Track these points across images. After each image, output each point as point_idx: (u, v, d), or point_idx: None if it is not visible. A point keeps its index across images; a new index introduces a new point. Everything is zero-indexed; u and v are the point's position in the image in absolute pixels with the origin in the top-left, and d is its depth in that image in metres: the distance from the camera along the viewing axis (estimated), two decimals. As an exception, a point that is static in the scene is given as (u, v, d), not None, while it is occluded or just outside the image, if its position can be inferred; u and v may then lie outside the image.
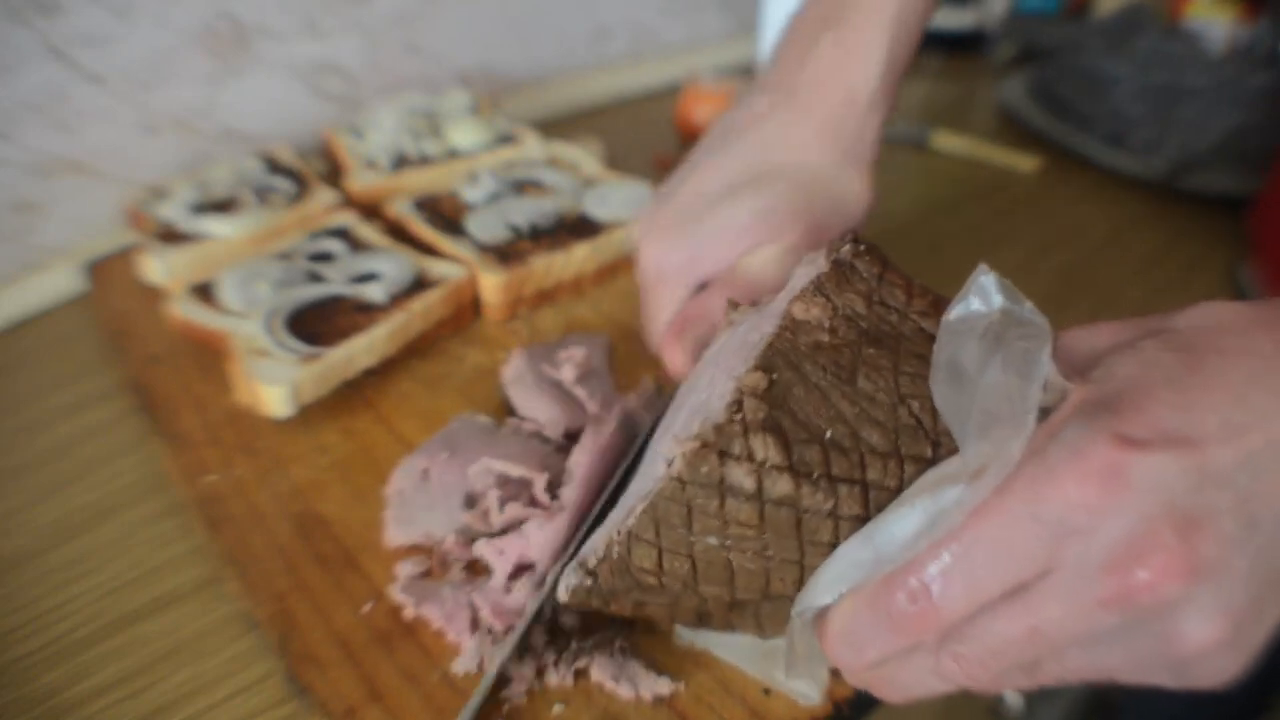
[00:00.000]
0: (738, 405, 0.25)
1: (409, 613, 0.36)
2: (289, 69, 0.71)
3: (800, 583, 0.26)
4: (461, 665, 0.34)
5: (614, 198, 0.60)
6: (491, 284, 0.53)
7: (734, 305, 0.35)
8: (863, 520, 0.24)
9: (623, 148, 0.76)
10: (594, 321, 0.54)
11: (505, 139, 0.68)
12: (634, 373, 0.49)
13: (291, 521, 0.41)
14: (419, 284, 0.52)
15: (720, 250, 0.40)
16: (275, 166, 0.64)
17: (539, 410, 0.45)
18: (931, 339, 0.26)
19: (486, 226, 0.56)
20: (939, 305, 0.27)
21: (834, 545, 0.25)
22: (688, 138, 0.80)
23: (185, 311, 0.50)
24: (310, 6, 0.70)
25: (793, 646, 0.27)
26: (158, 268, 0.54)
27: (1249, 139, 0.72)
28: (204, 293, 0.51)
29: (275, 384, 0.44)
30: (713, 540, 0.26)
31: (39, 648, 0.38)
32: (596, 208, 0.59)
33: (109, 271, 0.60)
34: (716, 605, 0.29)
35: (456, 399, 0.48)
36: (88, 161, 0.63)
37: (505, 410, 0.46)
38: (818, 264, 0.29)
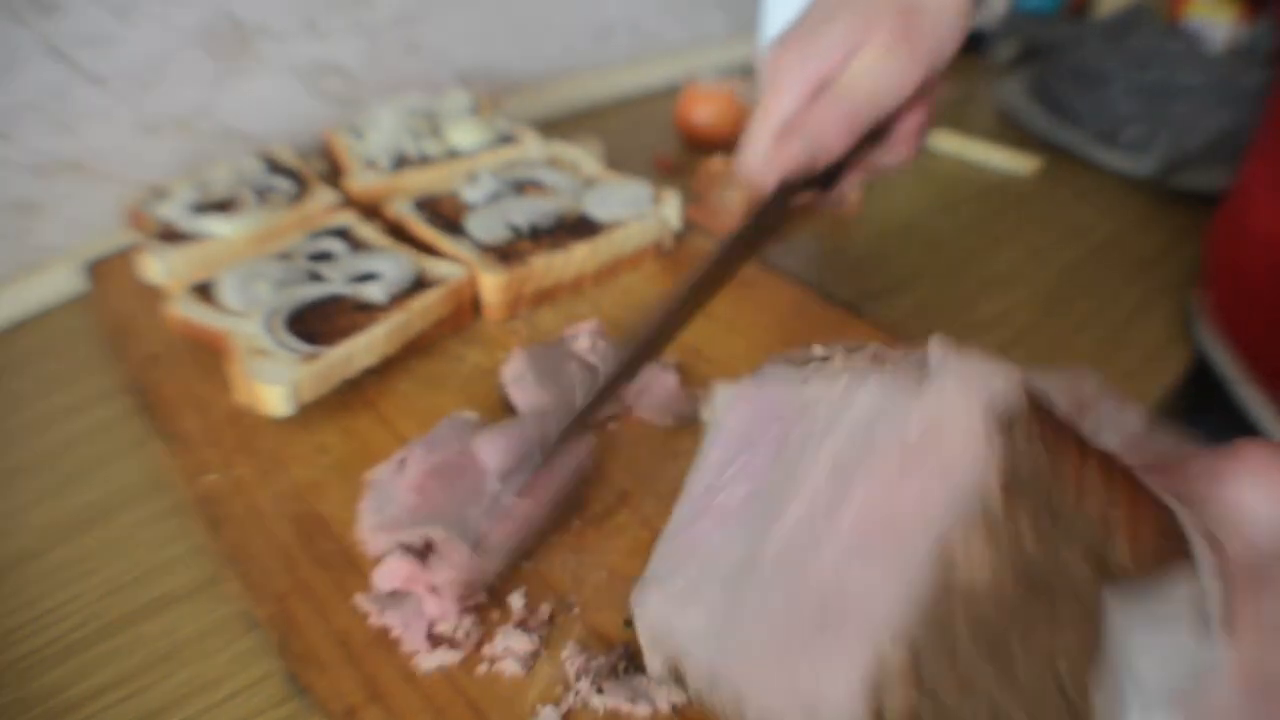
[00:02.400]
0: (878, 693, 0.22)
1: (374, 620, 0.36)
2: (289, 69, 0.71)
3: None
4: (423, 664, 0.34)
5: (614, 198, 0.60)
6: (491, 284, 0.53)
7: (802, 360, 0.30)
8: None
9: (623, 148, 0.76)
10: (594, 321, 0.54)
11: (505, 139, 0.68)
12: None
13: (291, 521, 0.41)
14: (419, 284, 0.52)
15: (824, 49, 0.40)
16: (275, 166, 0.64)
17: (540, 409, 0.45)
18: (1097, 568, 0.22)
19: (486, 226, 0.56)
20: (1112, 503, 0.23)
21: None
22: (688, 138, 0.80)
23: (185, 311, 0.50)
24: (310, 6, 0.70)
25: None
26: (158, 268, 0.54)
27: (1241, 138, 0.72)
28: (204, 292, 0.51)
29: (275, 384, 0.44)
30: None
31: (39, 648, 0.38)
32: (596, 208, 0.59)
33: (109, 271, 0.60)
34: None
35: (456, 399, 0.48)
36: (88, 161, 0.63)
37: (505, 410, 0.46)
38: (963, 429, 0.23)
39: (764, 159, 0.41)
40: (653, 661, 0.30)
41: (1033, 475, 0.22)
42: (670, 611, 0.29)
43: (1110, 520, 0.23)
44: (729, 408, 0.33)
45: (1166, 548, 0.23)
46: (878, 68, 0.40)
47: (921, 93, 0.42)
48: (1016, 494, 0.22)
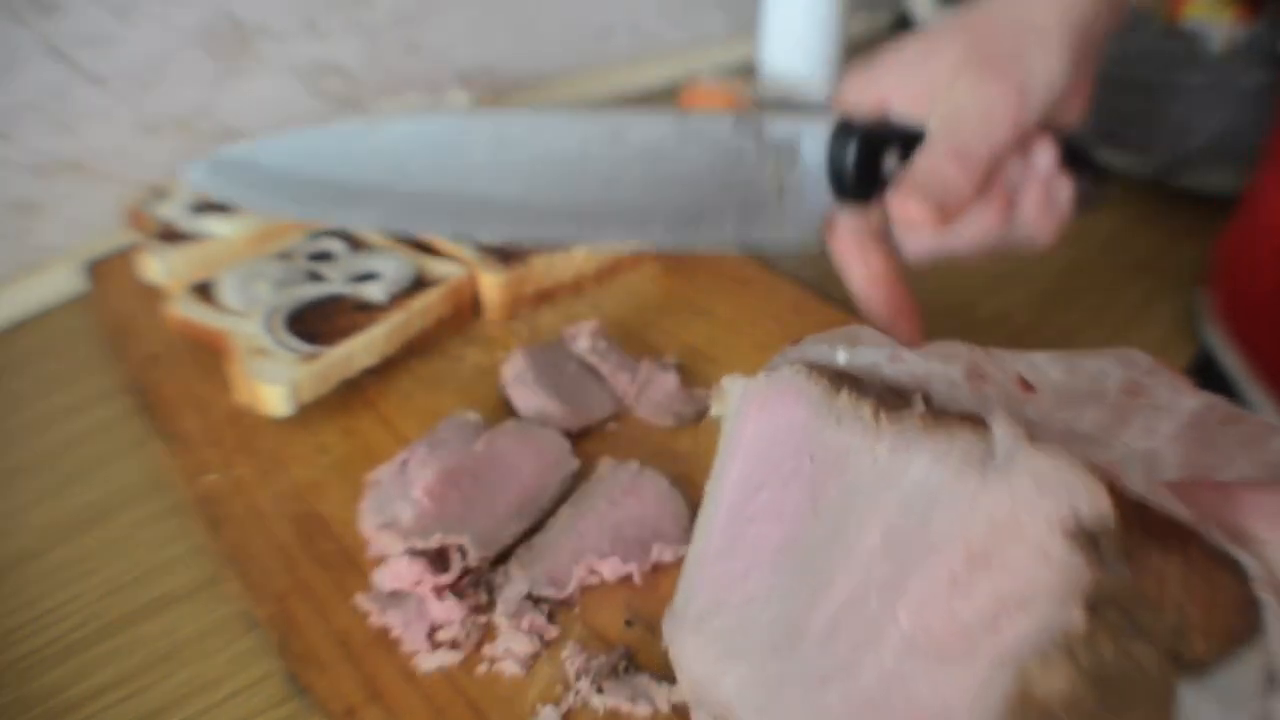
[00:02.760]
0: None
1: (374, 620, 0.36)
2: (289, 69, 0.71)
3: None
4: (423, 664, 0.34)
5: (614, 198, 0.60)
6: (491, 283, 0.53)
7: (833, 384, 0.28)
8: None
9: (623, 148, 0.76)
10: (594, 321, 0.54)
11: (505, 139, 0.68)
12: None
13: (291, 521, 0.41)
14: (419, 283, 0.52)
15: (893, 77, 0.37)
16: (275, 166, 0.64)
17: (540, 409, 0.45)
18: (1171, 664, 0.21)
19: (486, 226, 0.56)
20: (1204, 605, 0.22)
21: None
22: (688, 138, 0.80)
23: (185, 311, 0.50)
24: (310, 6, 0.70)
25: None
26: (158, 267, 0.54)
27: (1240, 138, 0.72)
28: (204, 292, 0.51)
29: (275, 383, 0.44)
30: None
31: (39, 648, 0.38)
32: (596, 208, 0.59)
33: (109, 271, 0.60)
34: None
35: (456, 398, 0.48)
36: (88, 161, 0.63)
37: (505, 410, 0.46)
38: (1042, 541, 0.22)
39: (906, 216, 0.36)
40: (698, 716, 0.30)
41: (1119, 595, 0.21)
42: (711, 664, 0.29)
43: (1188, 616, 0.22)
44: (743, 411, 0.32)
45: (1241, 626, 0.22)
46: (966, 106, 0.36)
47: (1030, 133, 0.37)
48: (1099, 611, 0.21)
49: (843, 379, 0.28)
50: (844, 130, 0.37)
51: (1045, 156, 0.37)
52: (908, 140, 0.36)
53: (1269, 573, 0.22)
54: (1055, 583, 0.21)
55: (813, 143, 0.37)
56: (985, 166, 0.36)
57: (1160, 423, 0.28)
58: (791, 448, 0.29)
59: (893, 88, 0.37)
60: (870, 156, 0.37)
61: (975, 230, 0.37)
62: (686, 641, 0.30)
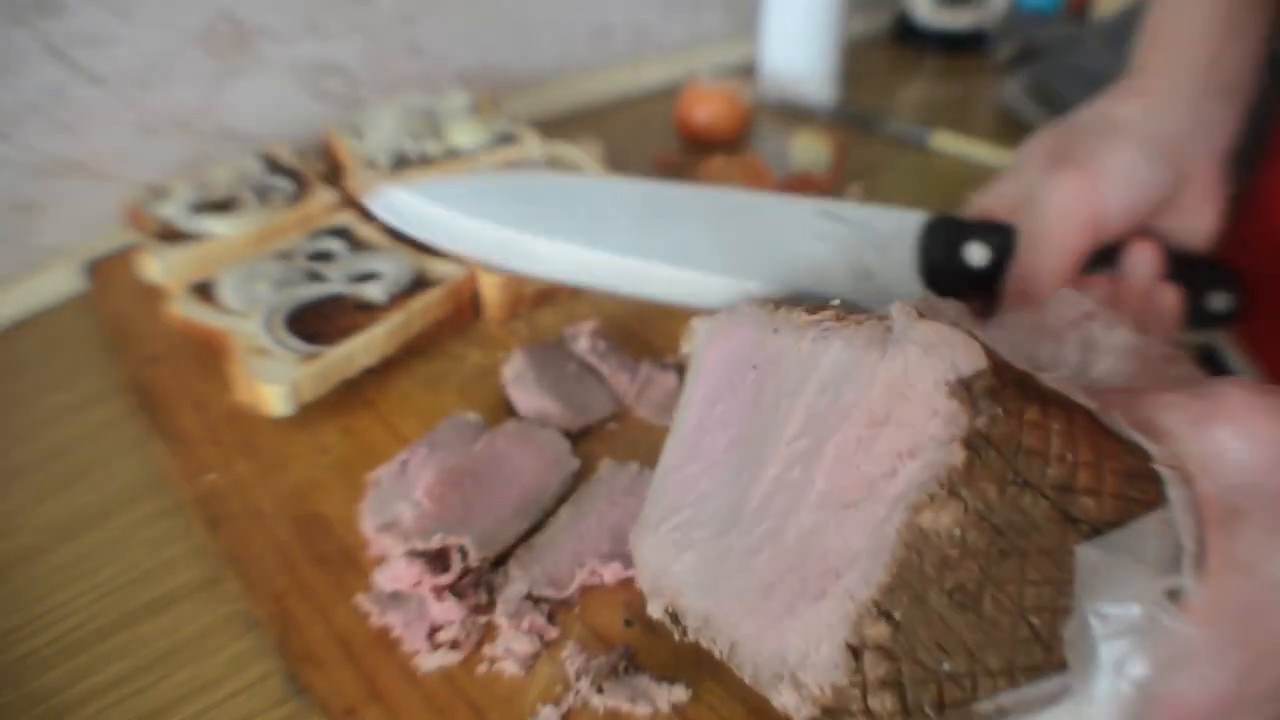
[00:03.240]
0: (857, 657, 0.23)
1: (375, 620, 0.36)
2: (289, 69, 0.71)
3: None
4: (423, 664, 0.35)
5: (614, 197, 0.60)
6: (491, 283, 0.53)
7: (775, 305, 0.32)
8: None
9: (623, 148, 0.76)
10: (594, 321, 0.54)
11: (505, 139, 0.68)
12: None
13: (291, 521, 0.41)
14: (419, 283, 0.52)
15: (993, 191, 0.39)
16: (275, 166, 0.64)
17: (540, 409, 0.45)
18: (1063, 520, 0.24)
19: (486, 226, 0.56)
20: (1074, 466, 0.24)
21: None
22: (688, 138, 0.80)
23: (185, 311, 0.50)
24: (310, 6, 0.70)
25: None
26: (158, 267, 0.54)
27: (1241, 138, 0.72)
28: (204, 292, 0.51)
29: (275, 383, 0.44)
30: None
31: (39, 648, 0.38)
32: (596, 207, 0.59)
33: (109, 271, 0.60)
34: None
35: (456, 398, 0.48)
36: (88, 161, 0.63)
37: (506, 410, 0.46)
38: (933, 396, 0.24)
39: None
40: (653, 606, 0.30)
41: (995, 437, 0.23)
42: (665, 556, 0.31)
43: (1075, 475, 0.24)
44: (706, 344, 0.34)
45: (1133, 493, 0.24)
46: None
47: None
48: (980, 457, 0.23)
49: (784, 301, 0.32)
50: (936, 225, 0.39)
51: (1143, 263, 0.39)
52: (999, 236, 0.39)
53: (1173, 456, 0.24)
54: (940, 430, 0.23)
55: (906, 235, 0.39)
56: (1066, 258, 0.37)
57: (1096, 357, 0.32)
58: (739, 361, 0.32)
59: (994, 199, 0.40)
60: (958, 249, 0.39)
61: None
62: (646, 543, 0.31)
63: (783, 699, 0.24)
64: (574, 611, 0.37)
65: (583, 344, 0.49)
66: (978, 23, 1.02)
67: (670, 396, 0.47)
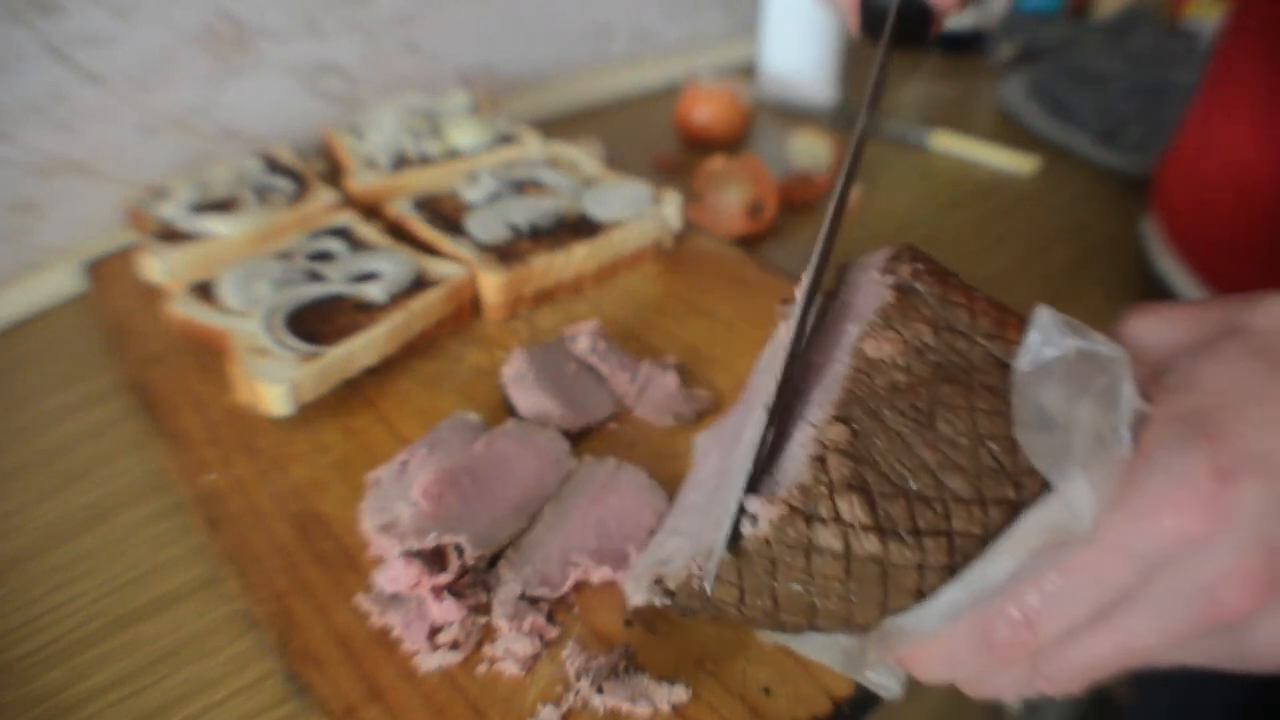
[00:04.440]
0: (821, 463, 0.25)
1: (375, 620, 0.36)
2: (289, 69, 0.71)
3: (882, 617, 0.26)
4: (423, 664, 0.34)
5: (614, 198, 0.60)
6: (491, 284, 0.53)
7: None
8: (949, 569, 0.24)
9: (623, 148, 0.76)
10: (594, 321, 0.54)
11: (505, 139, 0.68)
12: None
13: (291, 521, 0.41)
14: (419, 283, 0.52)
15: None
16: (275, 166, 0.64)
17: (540, 409, 0.45)
18: (1000, 365, 0.26)
19: (486, 226, 0.56)
20: (1004, 322, 0.27)
21: (919, 591, 0.25)
22: (688, 138, 0.80)
23: (185, 311, 0.50)
24: (310, 6, 0.70)
25: (870, 649, 0.27)
26: (158, 267, 0.54)
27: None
28: (204, 292, 0.51)
29: (275, 383, 0.44)
30: (797, 587, 0.26)
31: (39, 648, 0.38)
32: (596, 208, 0.59)
33: (109, 271, 0.60)
34: (795, 627, 0.28)
35: (456, 398, 0.48)
36: (88, 161, 0.63)
37: (505, 410, 0.46)
38: (873, 284, 0.28)
39: None
40: (635, 595, 0.30)
41: (922, 289, 0.27)
42: (658, 546, 0.33)
43: (1002, 328, 0.26)
44: (705, 451, 0.37)
45: None
46: None
47: None
48: (909, 298, 0.27)
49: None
50: None
51: None
52: None
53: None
54: (875, 292, 0.28)
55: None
56: None
57: None
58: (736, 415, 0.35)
59: None
60: None
61: None
62: (637, 567, 0.33)
63: (754, 509, 0.25)
64: (574, 611, 0.37)
65: (583, 344, 0.49)
66: (978, 23, 1.02)
67: (671, 397, 0.47)
